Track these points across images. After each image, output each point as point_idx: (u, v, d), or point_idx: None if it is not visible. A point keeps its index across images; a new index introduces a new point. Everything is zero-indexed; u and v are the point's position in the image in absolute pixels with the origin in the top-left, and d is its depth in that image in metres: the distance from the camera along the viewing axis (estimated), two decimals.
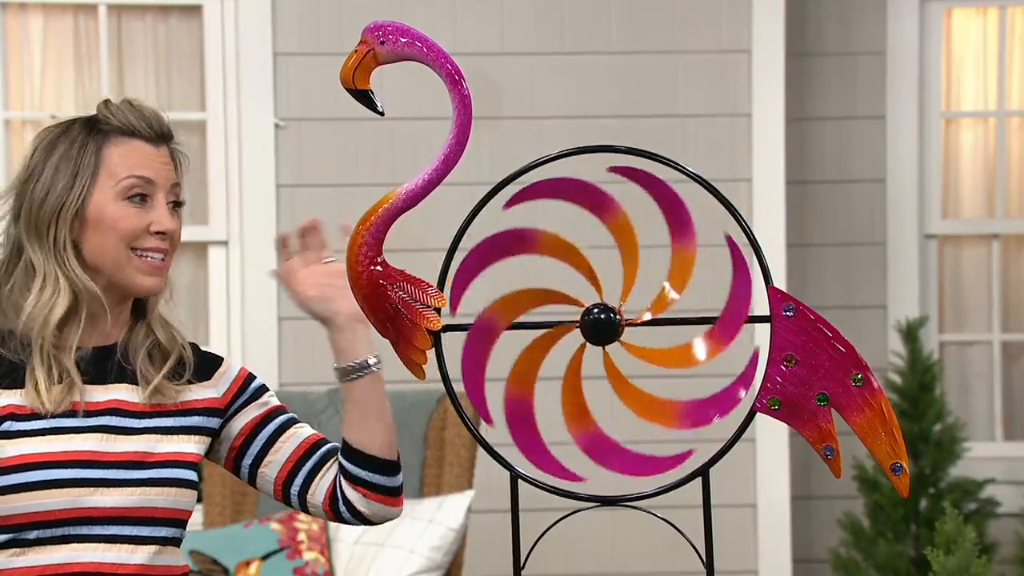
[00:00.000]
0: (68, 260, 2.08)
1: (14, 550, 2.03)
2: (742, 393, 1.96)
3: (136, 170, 2.10)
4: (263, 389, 2.24)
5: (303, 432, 2.23)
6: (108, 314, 2.12)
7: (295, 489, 2.20)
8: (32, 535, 2.02)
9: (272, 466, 2.20)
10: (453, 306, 1.96)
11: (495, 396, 1.97)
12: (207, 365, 2.20)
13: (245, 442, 2.20)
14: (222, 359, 2.23)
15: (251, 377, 2.24)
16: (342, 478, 2.19)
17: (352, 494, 2.18)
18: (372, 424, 2.18)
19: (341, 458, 2.19)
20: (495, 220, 1.97)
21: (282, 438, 2.21)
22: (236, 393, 2.20)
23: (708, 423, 1.95)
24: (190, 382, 2.15)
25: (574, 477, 1.98)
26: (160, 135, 2.14)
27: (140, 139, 2.12)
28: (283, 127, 4.48)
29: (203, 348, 2.25)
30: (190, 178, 4.56)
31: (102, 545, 2.04)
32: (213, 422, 2.17)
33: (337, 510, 2.20)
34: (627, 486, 2.00)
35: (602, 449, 1.99)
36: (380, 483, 2.18)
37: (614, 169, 1.93)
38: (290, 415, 2.24)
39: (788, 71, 4.59)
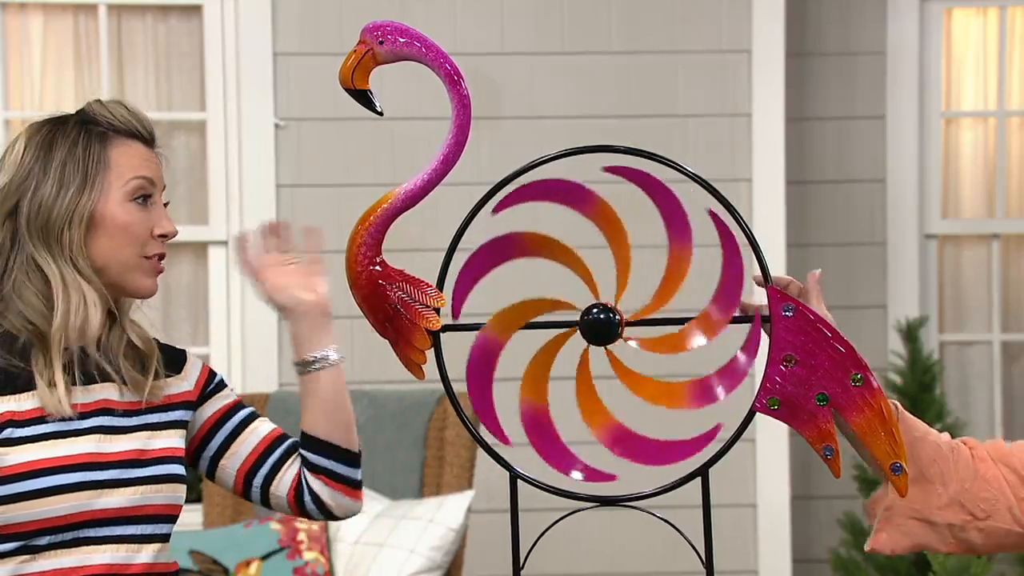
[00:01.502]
0: (83, 266, 2.08)
1: (24, 557, 2.02)
2: (743, 359, 1.94)
3: (140, 171, 2.11)
4: (224, 383, 2.24)
5: (266, 427, 2.23)
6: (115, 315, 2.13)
7: (258, 481, 2.20)
8: (43, 541, 2.02)
9: (234, 458, 2.20)
10: (455, 312, 1.95)
11: (506, 404, 1.96)
12: (174, 358, 2.20)
13: (208, 435, 2.20)
14: (185, 351, 2.24)
15: (213, 371, 2.24)
16: (305, 469, 2.18)
17: (315, 483, 2.17)
18: (333, 415, 2.17)
19: (302, 449, 2.18)
20: (494, 221, 1.96)
21: (245, 431, 2.20)
22: (204, 385, 2.20)
23: (717, 400, 1.94)
24: (168, 376, 2.16)
25: (606, 477, 1.97)
26: (152, 137, 2.16)
27: (139, 141, 2.13)
28: (283, 127, 4.47)
29: (162, 341, 2.24)
30: (190, 178, 4.60)
31: (111, 546, 2.05)
32: (188, 415, 2.17)
33: (302, 502, 2.19)
34: (627, 486, 2.00)
35: (626, 443, 1.97)
36: (342, 472, 2.18)
37: (611, 169, 1.92)
38: (252, 409, 2.24)
39: (788, 71, 4.59)
